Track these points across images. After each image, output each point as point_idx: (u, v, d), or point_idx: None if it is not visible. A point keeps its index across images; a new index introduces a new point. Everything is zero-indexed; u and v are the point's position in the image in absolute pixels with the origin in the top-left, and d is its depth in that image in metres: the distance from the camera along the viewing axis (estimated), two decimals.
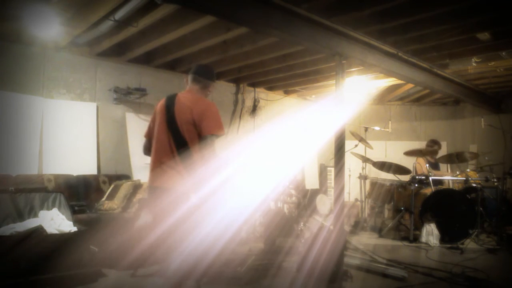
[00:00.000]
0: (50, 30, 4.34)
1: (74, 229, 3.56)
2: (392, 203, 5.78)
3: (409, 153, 5.70)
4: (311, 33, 3.86)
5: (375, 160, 5.96)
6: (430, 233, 4.85)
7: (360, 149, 5.91)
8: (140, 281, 3.40)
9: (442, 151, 6.65)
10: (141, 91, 5.66)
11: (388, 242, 5.08)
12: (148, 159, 5.61)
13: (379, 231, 5.47)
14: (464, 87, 6.36)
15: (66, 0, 3.82)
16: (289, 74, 6.37)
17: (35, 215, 3.69)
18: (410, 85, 7.00)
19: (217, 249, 2.65)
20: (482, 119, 6.58)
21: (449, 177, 5.73)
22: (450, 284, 3.39)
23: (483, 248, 4.69)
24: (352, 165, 6.59)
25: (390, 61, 4.77)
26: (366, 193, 6.06)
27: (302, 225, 4.49)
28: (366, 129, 6.52)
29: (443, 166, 6.38)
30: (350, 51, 4.23)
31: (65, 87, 5.21)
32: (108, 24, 4.12)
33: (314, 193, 5.47)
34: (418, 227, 5.07)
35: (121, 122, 5.70)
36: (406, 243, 4.96)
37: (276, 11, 3.55)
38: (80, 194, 4.69)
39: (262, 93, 7.66)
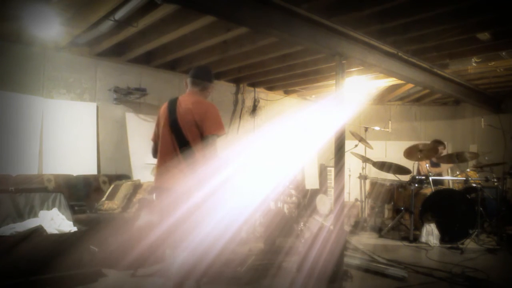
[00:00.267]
0: (50, 30, 4.34)
1: (74, 229, 3.56)
2: (392, 203, 5.78)
3: (408, 154, 5.68)
4: (311, 33, 3.86)
5: (375, 160, 5.96)
6: (430, 233, 4.85)
7: (360, 149, 5.91)
8: (140, 281, 3.40)
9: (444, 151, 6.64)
10: (141, 91, 5.66)
11: (388, 242, 5.08)
12: (148, 159, 5.62)
13: (379, 231, 5.47)
14: (464, 87, 6.36)
15: (66, 0, 3.82)
16: (289, 74, 6.37)
17: (35, 215, 3.69)
18: (410, 85, 7.00)
19: (217, 249, 2.65)
20: (482, 119, 6.59)
21: (449, 177, 5.72)
22: (450, 284, 3.39)
23: (483, 248, 4.69)
24: (352, 165, 6.58)
25: (390, 61, 4.77)
26: (366, 193, 6.06)
27: (302, 225, 4.49)
28: (366, 129, 6.52)
29: (443, 166, 6.38)
30: (350, 51, 4.23)
31: (65, 87, 5.21)
32: (108, 24, 4.12)
33: (314, 193, 5.47)
34: (418, 227, 5.07)
35: (121, 122, 5.70)
36: (406, 243, 4.96)
37: (276, 11, 3.55)
38: (80, 194, 4.69)
39: (262, 93, 7.66)
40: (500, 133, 6.26)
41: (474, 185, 5.30)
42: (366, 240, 5.15)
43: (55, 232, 3.42)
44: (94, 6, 3.91)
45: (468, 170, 5.68)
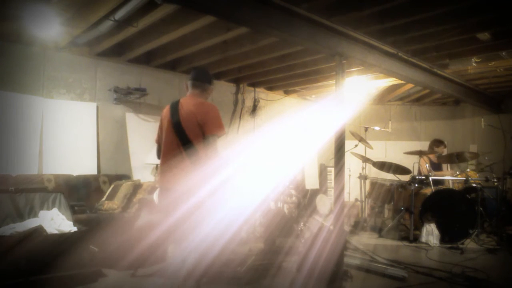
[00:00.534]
0: (50, 30, 4.34)
1: (74, 229, 3.56)
2: (392, 203, 5.78)
3: (409, 152, 5.69)
4: (311, 33, 3.86)
5: (375, 160, 5.96)
6: (430, 233, 4.85)
7: (360, 149, 5.91)
8: (140, 281, 3.40)
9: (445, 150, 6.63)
10: (141, 91, 5.66)
11: (388, 242, 5.08)
12: (148, 159, 5.63)
13: (379, 231, 5.47)
14: (464, 87, 6.36)
15: (66, 0, 3.82)
16: (289, 74, 6.37)
17: (35, 215, 3.69)
18: (410, 85, 7.00)
19: (217, 249, 2.66)
20: (482, 119, 6.58)
21: (449, 177, 5.72)
22: (450, 284, 3.39)
23: (483, 248, 4.69)
24: (352, 165, 6.58)
25: (390, 61, 4.77)
26: (366, 193, 6.06)
27: (302, 225, 4.49)
28: (366, 129, 6.52)
29: (444, 167, 6.37)
30: (350, 51, 4.23)
31: (65, 87, 5.21)
32: (108, 24, 4.12)
33: (314, 193, 5.47)
34: (418, 227, 5.07)
35: (121, 122, 5.70)
36: (406, 243, 4.96)
37: (276, 11, 3.55)
38: (80, 194, 4.69)
39: (262, 93, 7.66)
40: (500, 133, 6.25)
41: (474, 185, 5.30)
42: (366, 240, 5.15)
43: (55, 232, 3.43)
44: (94, 6, 3.91)
45: (468, 170, 5.68)
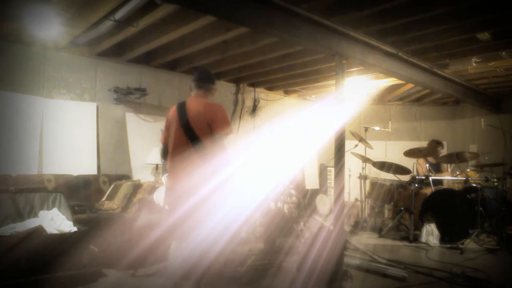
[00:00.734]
0: (50, 30, 4.34)
1: (74, 229, 3.56)
2: (392, 203, 5.78)
3: (408, 153, 5.69)
4: (311, 33, 3.86)
5: (375, 160, 5.96)
6: (430, 233, 4.85)
7: (360, 149, 5.91)
8: (140, 281, 3.40)
9: (442, 151, 6.63)
10: (141, 91, 5.66)
11: (388, 242, 5.08)
12: (148, 159, 5.61)
13: (379, 231, 5.47)
14: (464, 87, 6.36)
15: (66, 0, 3.82)
16: (289, 74, 6.37)
17: (35, 215, 3.69)
18: (410, 85, 7.00)
19: (217, 249, 2.66)
20: (482, 119, 6.58)
21: (449, 177, 5.72)
22: (450, 284, 3.39)
23: (483, 248, 4.68)
24: (352, 165, 6.58)
25: (390, 61, 4.77)
26: (366, 193, 6.06)
27: (302, 225, 4.49)
28: (366, 129, 6.52)
29: (445, 168, 6.37)
30: (350, 51, 4.23)
31: (65, 87, 5.21)
32: (108, 24, 4.12)
33: (314, 193, 5.47)
34: (418, 227, 5.07)
35: (121, 122, 5.70)
36: (406, 243, 4.96)
37: (276, 11, 3.55)
38: (80, 194, 4.69)
39: (262, 93, 7.66)
40: (500, 133, 6.26)
41: (474, 185, 5.29)
42: (366, 240, 5.15)
43: (55, 232, 3.42)
44: (94, 6, 3.91)
45: (468, 170, 5.68)
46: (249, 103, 7.43)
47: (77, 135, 5.20)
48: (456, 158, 5.52)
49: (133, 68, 5.80)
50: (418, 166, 5.95)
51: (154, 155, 5.49)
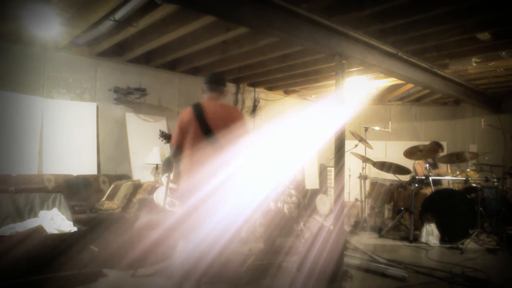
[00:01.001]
0: (50, 30, 4.34)
1: (74, 229, 3.56)
2: (392, 203, 5.78)
3: (408, 153, 5.69)
4: (311, 33, 3.86)
5: (375, 160, 5.96)
6: (430, 233, 4.85)
7: (360, 149, 5.91)
8: (140, 281, 3.40)
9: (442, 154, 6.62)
10: (141, 91, 5.66)
11: (388, 242, 5.08)
12: (148, 159, 5.59)
13: (379, 231, 5.47)
14: (464, 87, 6.36)
15: (66, 0, 3.82)
16: (289, 74, 6.37)
17: (35, 215, 3.69)
18: (410, 85, 7.00)
19: (218, 249, 2.66)
20: (482, 119, 6.57)
21: (449, 177, 5.72)
22: (450, 284, 3.39)
23: (483, 248, 4.68)
24: (352, 165, 6.58)
25: (390, 61, 4.77)
26: (366, 193, 6.06)
27: (302, 225, 4.49)
28: (366, 129, 6.52)
29: (443, 166, 6.38)
30: (350, 51, 4.23)
31: (65, 87, 5.21)
32: (108, 24, 4.12)
33: (314, 193, 5.47)
34: (418, 227, 5.07)
35: (121, 122, 5.70)
36: (406, 243, 4.96)
37: (276, 11, 3.55)
38: (80, 194, 4.68)
39: (262, 93, 7.66)
40: (500, 133, 6.25)
41: (474, 185, 5.29)
42: (366, 240, 5.15)
43: (55, 232, 3.42)
44: (94, 6, 3.91)
45: (468, 170, 5.68)
46: (249, 103, 7.43)
47: (77, 135, 5.20)
48: (456, 158, 5.52)
49: (133, 68, 5.80)
50: (417, 166, 5.95)
51: (154, 155, 5.49)
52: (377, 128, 6.64)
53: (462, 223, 4.90)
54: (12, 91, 4.72)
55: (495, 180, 5.23)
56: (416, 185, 5.26)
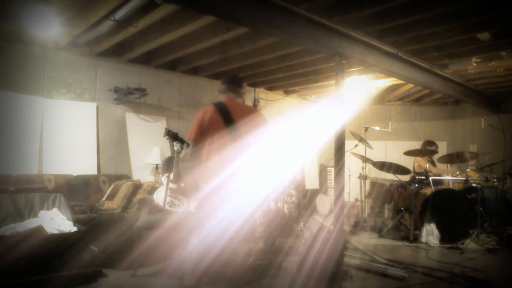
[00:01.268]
0: (50, 30, 4.34)
1: (74, 229, 3.56)
2: (392, 203, 5.78)
3: (409, 153, 5.70)
4: (311, 33, 3.86)
5: (375, 160, 5.96)
6: (430, 233, 4.85)
7: (360, 149, 5.91)
8: (140, 281, 3.40)
9: (442, 151, 6.63)
10: (141, 91, 5.66)
11: (388, 242, 5.08)
12: (148, 159, 5.58)
13: (379, 231, 5.47)
14: (464, 87, 6.36)
15: (66, 0, 3.82)
16: (289, 74, 6.37)
17: (35, 215, 3.68)
18: (410, 85, 6.99)
19: (218, 249, 2.66)
20: (482, 119, 6.58)
21: (449, 177, 5.72)
22: (450, 284, 3.39)
23: (483, 248, 4.68)
24: (352, 165, 6.58)
25: (390, 61, 4.77)
26: (366, 193, 6.06)
27: (302, 225, 4.49)
28: (366, 129, 6.52)
29: (443, 166, 6.38)
30: (350, 51, 4.23)
31: (65, 87, 5.21)
32: (108, 24, 4.12)
33: (314, 193, 5.47)
34: (418, 227, 5.07)
35: (121, 122, 5.70)
36: (406, 243, 4.96)
37: (276, 11, 3.55)
38: (80, 194, 4.69)
39: (262, 93, 7.66)
40: (500, 133, 6.25)
41: (474, 185, 5.30)
42: (366, 240, 5.15)
43: (55, 232, 3.42)
44: (94, 6, 3.91)
45: (468, 170, 5.68)
46: (249, 103, 7.42)
47: (77, 135, 5.20)
48: (456, 158, 5.52)
49: (133, 68, 5.80)
50: (416, 164, 5.96)
51: (154, 155, 5.49)
52: (377, 128, 6.64)
53: (462, 223, 4.90)
54: (12, 91, 4.72)
55: (495, 180, 5.23)
56: (416, 185, 5.26)
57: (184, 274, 2.65)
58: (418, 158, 5.94)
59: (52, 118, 5.00)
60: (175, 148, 3.33)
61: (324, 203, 5.17)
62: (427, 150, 5.90)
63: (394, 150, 7.56)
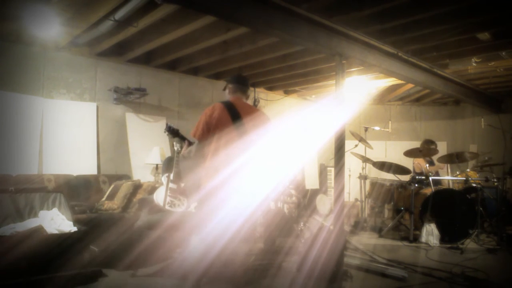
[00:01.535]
0: (50, 30, 4.34)
1: (74, 229, 3.55)
2: (392, 203, 5.78)
3: (408, 153, 5.70)
4: (311, 33, 3.86)
5: (375, 160, 5.96)
6: (430, 233, 4.85)
7: (360, 149, 5.91)
8: (140, 281, 3.40)
9: (442, 151, 6.63)
10: (141, 91, 5.66)
11: (388, 242, 5.08)
12: (148, 159, 5.58)
13: (379, 231, 5.47)
14: (464, 87, 6.36)
15: (66, 0, 3.82)
16: (289, 74, 6.37)
17: (35, 215, 3.68)
18: (410, 85, 7.00)
19: (218, 249, 2.66)
20: (482, 119, 6.58)
21: (449, 177, 5.72)
22: (450, 284, 3.38)
23: (483, 248, 4.68)
24: (352, 165, 6.58)
25: (390, 61, 4.77)
26: (366, 193, 6.06)
27: (302, 225, 4.49)
28: (366, 129, 6.52)
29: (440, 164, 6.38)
30: (350, 51, 4.23)
31: (65, 87, 5.21)
32: (108, 24, 4.12)
33: (314, 193, 5.47)
34: (418, 227, 5.07)
35: (121, 122, 5.70)
36: (406, 243, 4.96)
37: (276, 11, 3.55)
38: (80, 194, 4.69)
39: (262, 93, 7.66)
40: (500, 133, 6.24)
41: (474, 185, 5.30)
42: (366, 240, 5.15)
43: (55, 232, 3.42)
44: (94, 6, 3.91)
45: (468, 170, 5.68)
46: (249, 103, 7.41)
47: (77, 135, 5.20)
48: (456, 158, 5.52)
49: (133, 68, 5.80)
50: (416, 164, 5.96)
51: (154, 155, 5.49)
52: (377, 128, 6.64)
53: (462, 223, 4.90)
54: (12, 91, 4.72)
55: (495, 180, 5.23)
56: (416, 185, 5.26)
57: (187, 274, 2.65)
58: (418, 159, 5.93)
59: (52, 118, 5.00)
60: (175, 148, 3.34)
61: (324, 203, 5.16)
62: (426, 149, 5.89)
63: (394, 150, 7.56)
